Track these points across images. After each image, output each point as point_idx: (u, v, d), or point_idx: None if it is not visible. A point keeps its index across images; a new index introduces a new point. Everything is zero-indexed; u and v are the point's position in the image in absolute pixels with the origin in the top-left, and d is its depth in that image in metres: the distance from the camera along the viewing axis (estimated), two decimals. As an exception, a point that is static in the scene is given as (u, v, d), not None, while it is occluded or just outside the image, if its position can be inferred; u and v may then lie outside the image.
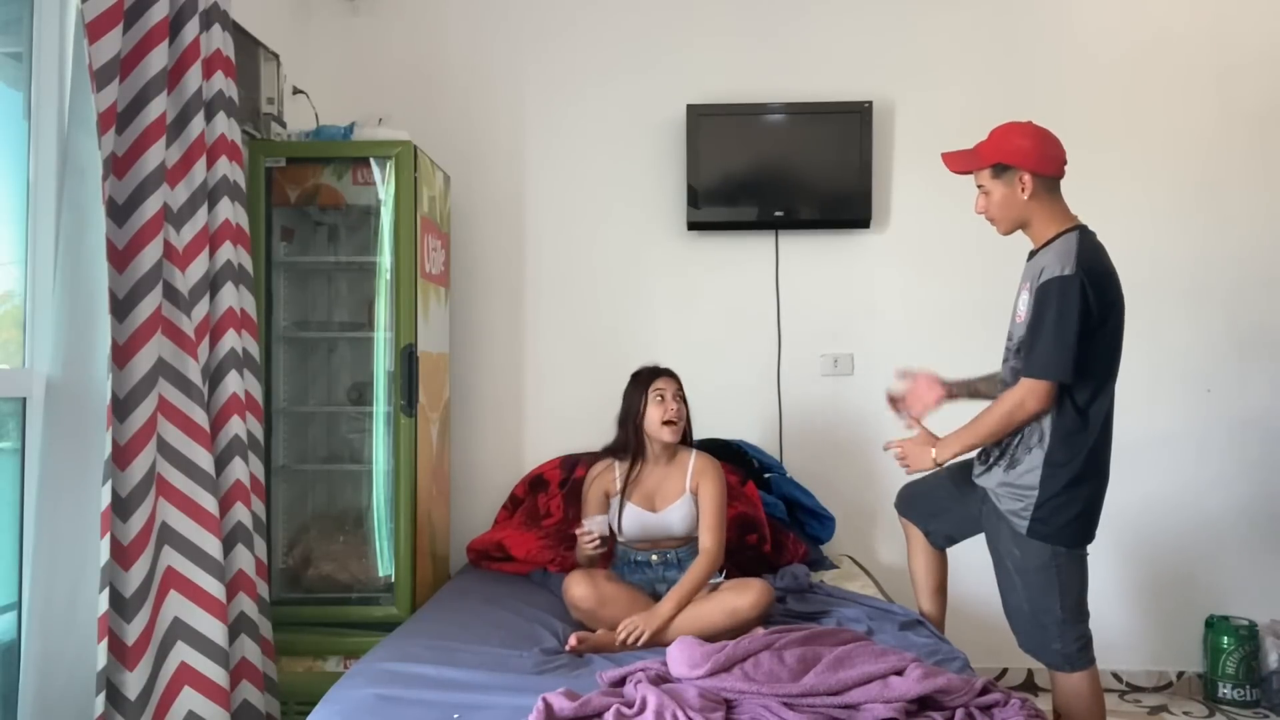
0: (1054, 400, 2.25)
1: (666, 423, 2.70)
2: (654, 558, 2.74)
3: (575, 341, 3.60)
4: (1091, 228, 2.36)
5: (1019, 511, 2.31)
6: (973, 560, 2.54)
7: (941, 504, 2.64)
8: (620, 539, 2.78)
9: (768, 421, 3.58)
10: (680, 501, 2.73)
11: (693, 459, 2.77)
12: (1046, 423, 2.29)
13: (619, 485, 2.75)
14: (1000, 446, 2.40)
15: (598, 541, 2.51)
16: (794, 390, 3.58)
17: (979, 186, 2.42)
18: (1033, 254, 2.40)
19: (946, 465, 2.67)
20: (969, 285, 3.46)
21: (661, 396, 2.71)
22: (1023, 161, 2.33)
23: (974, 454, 2.54)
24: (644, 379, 2.76)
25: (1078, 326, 2.19)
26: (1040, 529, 2.29)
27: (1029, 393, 2.24)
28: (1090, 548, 2.37)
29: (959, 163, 2.44)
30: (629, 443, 2.74)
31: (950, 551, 2.75)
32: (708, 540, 2.66)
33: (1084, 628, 2.34)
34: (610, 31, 3.62)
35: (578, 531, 2.55)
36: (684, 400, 2.78)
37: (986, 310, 3.03)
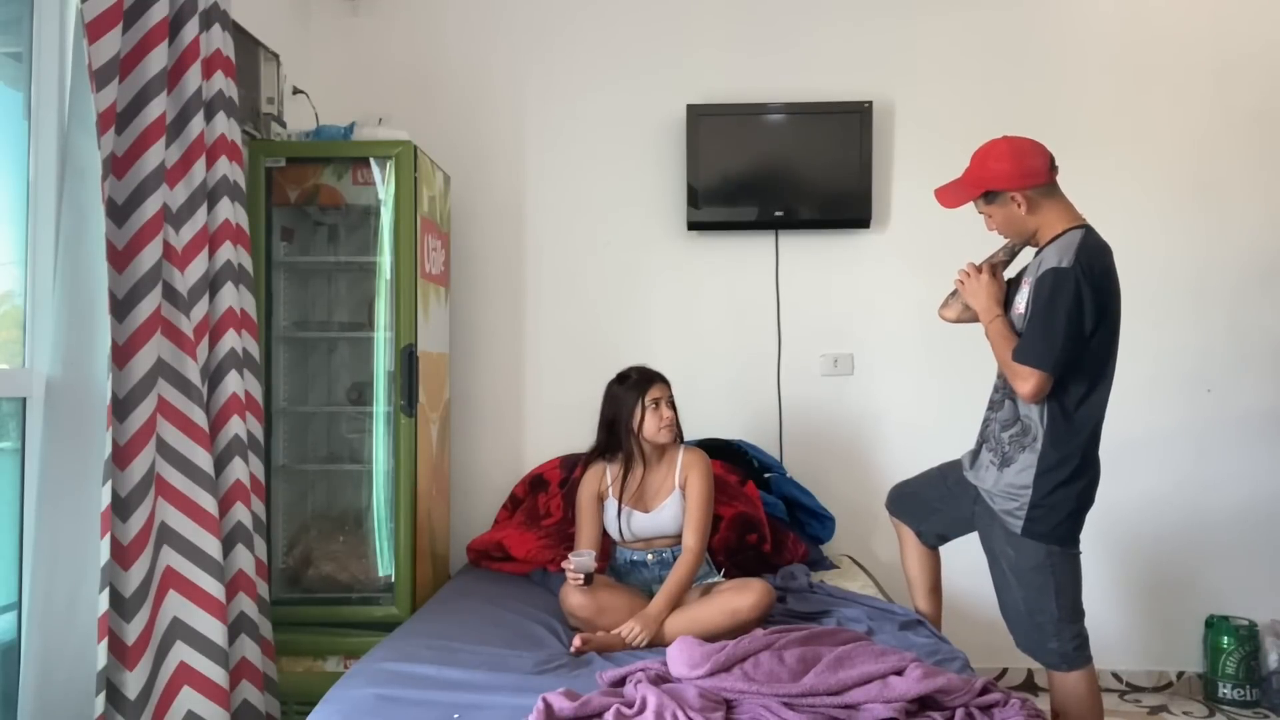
0: (1043, 391, 2.23)
1: (663, 428, 2.71)
2: (649, 557, 2.75)
3: (575, 341, 3.60)
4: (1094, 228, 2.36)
5: (1013, 511, 2.32)
6: (972, 561, 2.54)
7: (932, 504, 2.65)
8: (616, 541, 2.80)
9: (768, 421, 3.58)
10: (671, 499, 2.73)
11: (680, 454, 2.78)
12: (1039, 423, 2.29)
13: (611, 489, 2.76)
14: (993, 445, 2.40)
15: (581, 580, 2.51)
16: (794, 390, 3.58)
17: (980, 213, 2.44)
18: (1038, 251, 2.41)
19: (939, 464, 2.68)
20: (969, 285, 3.46)
21: (657, 404, 2.71)
22: (1006, 184, 2.33)
23: (966, 452, 2.55)
24: (637, 385, 2.73)
25: (1066, 319, 2.19)
26: (1034, 529, 2.29)
27: (1020, 376, 2.24)
28: (1090, 548, 2.37)
29: (951, 197, 2.45)
30: (621, 446, 2.74)
31: (950, 553, 2.75)
32: (690, 538, 2.67)
33: (1080, 626, 2.34)
34: (610, 32, 3.62)
35: (564, 565, 2.55)
36: (673, 402, 2.78)
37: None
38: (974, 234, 2.59)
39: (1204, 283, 3.51)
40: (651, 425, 2.70)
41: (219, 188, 2.50)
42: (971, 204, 2.44)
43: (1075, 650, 2.32)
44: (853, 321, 3.59)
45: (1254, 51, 3.52)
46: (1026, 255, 2.48)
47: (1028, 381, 2.23)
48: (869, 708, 1.84)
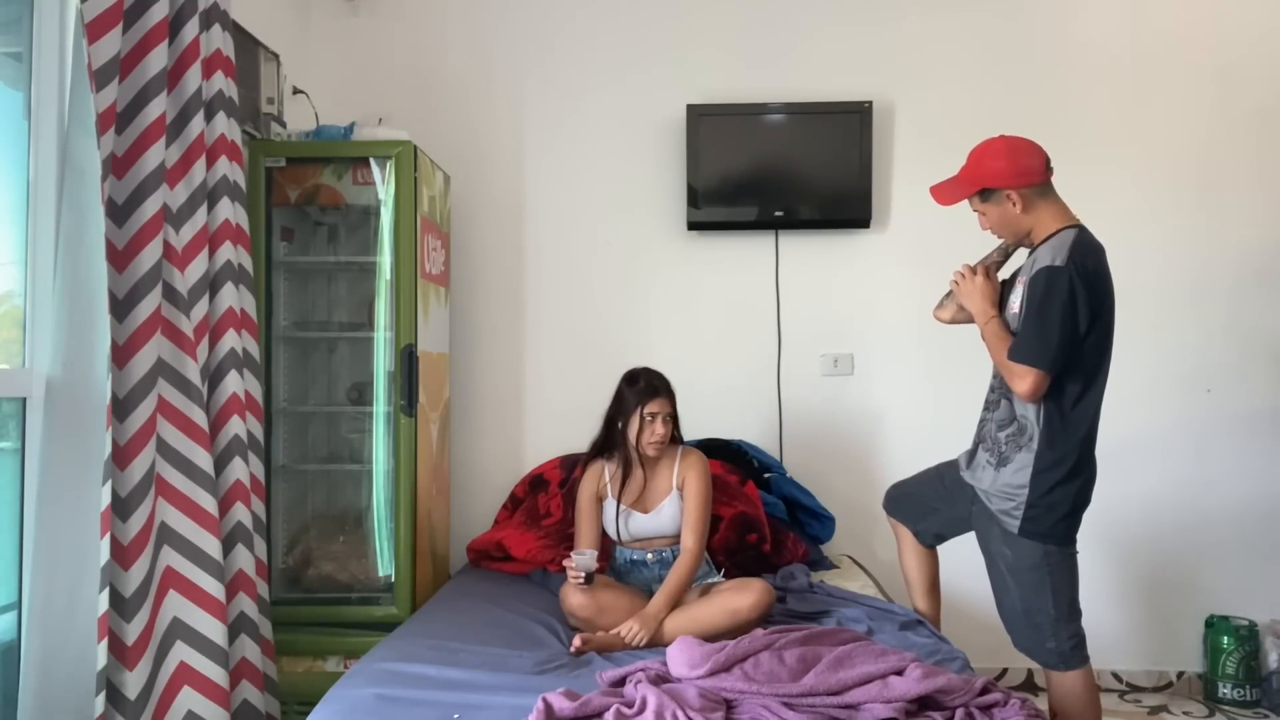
0: (1040, 390, 2.23)
1: (651, 442, 2.71)
2: (649, 556, 2.75)
3: (575, 341, 3.60)
4: (1089, 227, 2.36)
5: (1010, 511, 2.32)
6: (971, 561, 2.54)
7: (930, 504, 2.65)
8: (615, 541, 2.80)
9: (768, 421, 3.58)
10: (669, 500, 2.74)
11: (678, 456, 2.78)
12: (1035, 423, 2.29)
13: (610, 489, 2.76)
14: (990, 445, 2.40)
15: (583, 578, 2.52)
16: (794, 390, 3.58)
17: (974, 210, 2.44)
18: (1031, 250, 2.42)
19: (936, 465, 2.68)
20: (969, 285, 3.46)
21: (653, 418, 2.70)
22: (1002, 182, 2.34)
23: (962, 453, 2.55)
24: (640, 393, 2.72)
25: (1061, 317, 2.20)
26: (1031, 528, 2.29)
27: (1016, 375, 2.24)
28: (1090, 548, 2.37)
29: (946, 195, 2.46)
30: (616, 444, 2.75)
31: (949, 553, 2.76)
32: (689, 539, 2.67)
33: (1077, 626, 2.34)
34: (610, 31, 3.62)
35: (565, 564, 2.56)
36: (674, 414, 2.76)
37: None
38: (973, 234, 2.59)
39: (1203, 282, 3.51)
40: (644, 436, 2.71)
41: (219, 188, 2.50)
42: (967, 203, 2.44)
43: (1072, 650, 2.32)
44: (853, 321, 3.59)
45: (1254, 51, 3.52)
46: (1020, 256, 2.49)
47: (1025, 380, 2.23)
48: (869, 708, 1.84)
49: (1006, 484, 2.33)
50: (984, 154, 2.38)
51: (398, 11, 3.64)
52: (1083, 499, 2.33)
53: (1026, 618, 2.35)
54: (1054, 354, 2.21)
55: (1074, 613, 2.34)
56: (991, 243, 2.54)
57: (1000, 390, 2.40)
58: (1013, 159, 2.33)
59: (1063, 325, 2.20)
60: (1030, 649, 2.38)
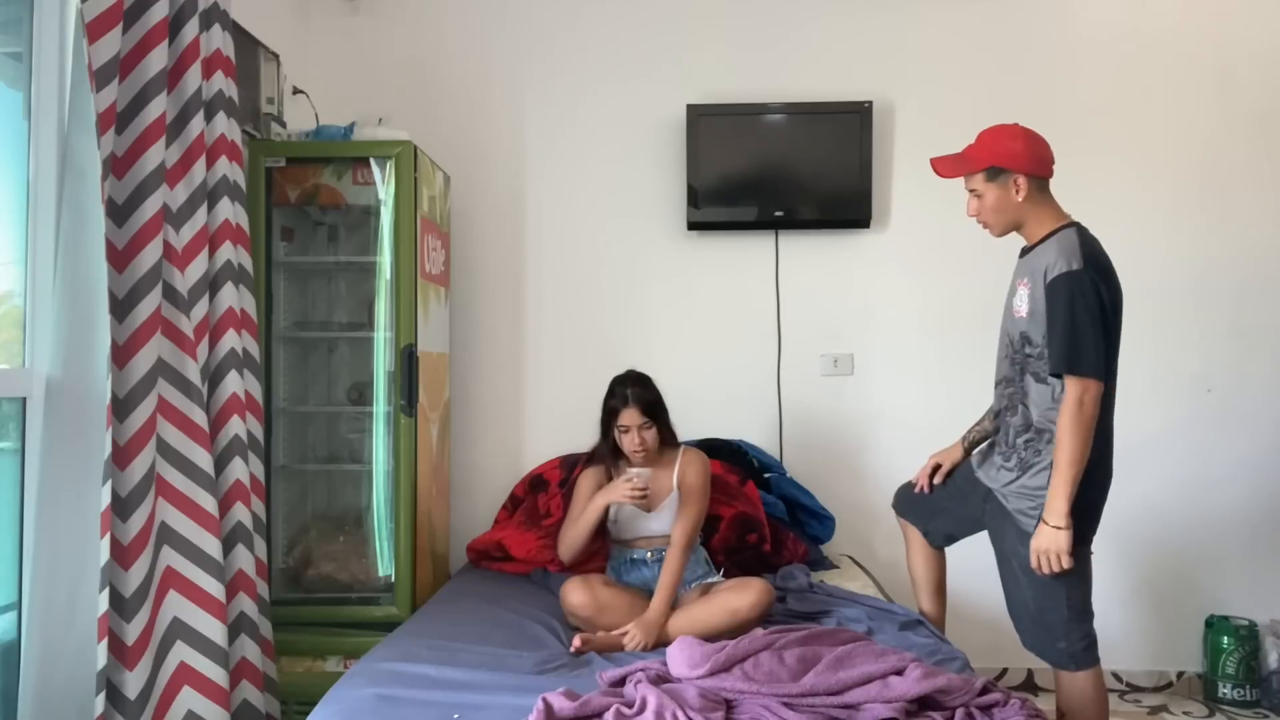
0: (1099, 400, 2.20)
1: (634, 452, 2.71)
2: (649, 555, 2.75)
3: (575, 341, 3.60)
4: (1090, 226, 2.36)
5: (1027, 510, 2.31)
6: (973, 560, 2.54)
7: (941, 504, 2.65)
8: (617, 540, 2.80)
9: (768, 421, 3.58)
10: (670, 499, 2.74)
11: (679, 456, 2.78)
12: (1051, 426, 2.27)
13: None
14: (1006, 450, 2.39)
15: (643, 491, 2.53)
16: (794, 390, 3.58)
17: (971, 190, 2.42)
18: (1025, 250, 2.41)
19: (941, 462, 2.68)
20: (969, 285, 3.46)
21: (626, 430, 2.70)
22: (1015, 164, 2.33)
23: (976, 447, 2.54)
24: (613, 406, 2.71)
25: (1095, 320, 2.18)
26: None
27: (1084, 390, 2.19)
28: (1091, 547, 2.36)
29: (950, 168, 2.44)
30: (612, 450, 2.76)
31: (951, 552, 2.75)
32: (676, 532, 2.66)
33: (1089, 626, 2.33)
34: (611, 32, 3.62)
35: (626, 481, 2.56)
36: (655, 415, 2.71)
37: (986, 310, 3.02)
38: (973, 233, 2.59)
39: (1205, 282, 3.51)
40: (625, 447, 2.71)
41: (219, 188, 2.50)
42: (960, 201, 2.43)
43: (1084, 650, 2.31)
44: (853, 322, 3.59)
45: (1256, 51, 3.51)
46: (1008, 254, 2.46)
47: (1086, 396, 2.17)
48: (869, 708, 1.84)
49: (1024, 485, 2.32)
50: (1001, 134, 2.38)
51: (398, 11, 3.64)
52: (1099, 499, 2.31)
53: (1038, 617, 2.34)
54: (1102, 359, 2.18)
55: (1086, 613, 2.33)
56: (990, 237, 2.50)
57: (1015, 396, 2.38)
58: (1030, 144, 2.34)
59: (1099, 328, 2.18)
60: (1041, 649, 2.36)
